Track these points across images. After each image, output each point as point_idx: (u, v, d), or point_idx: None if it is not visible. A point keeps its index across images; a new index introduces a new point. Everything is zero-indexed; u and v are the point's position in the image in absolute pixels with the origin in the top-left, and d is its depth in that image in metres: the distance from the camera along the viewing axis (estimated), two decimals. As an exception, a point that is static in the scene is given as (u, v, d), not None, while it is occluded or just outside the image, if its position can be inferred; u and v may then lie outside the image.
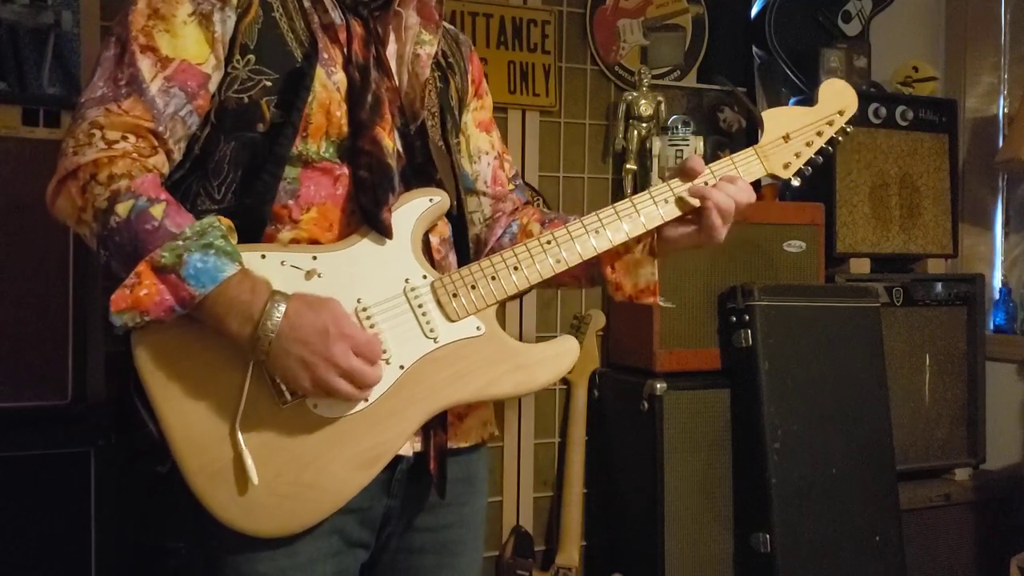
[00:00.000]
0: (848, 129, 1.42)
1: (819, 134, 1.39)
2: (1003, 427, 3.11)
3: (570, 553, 2.71)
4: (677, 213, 1.33)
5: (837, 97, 1.41)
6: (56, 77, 2.19)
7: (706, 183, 1.32)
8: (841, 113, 1.40)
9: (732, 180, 1.32)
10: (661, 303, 1.40)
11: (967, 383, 3.02)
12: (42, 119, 1.92)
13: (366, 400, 1.17)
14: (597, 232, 1.30)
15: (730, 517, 2.56)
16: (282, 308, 1.10)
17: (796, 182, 1.40)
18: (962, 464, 3.02)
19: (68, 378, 1.92)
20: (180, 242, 1.09)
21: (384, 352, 1.17)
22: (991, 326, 3.24)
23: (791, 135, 1.38)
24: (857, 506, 2.55)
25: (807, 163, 1.39)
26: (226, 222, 1.14)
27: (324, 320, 1.11)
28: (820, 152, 1.40)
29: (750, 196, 1.33)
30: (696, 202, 1.31)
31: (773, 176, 1.38)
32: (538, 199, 2.83)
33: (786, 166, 1.38)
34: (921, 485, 2.89)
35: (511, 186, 1.52)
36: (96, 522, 1.90)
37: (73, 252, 1.93)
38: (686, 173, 1.33)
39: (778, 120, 1.38)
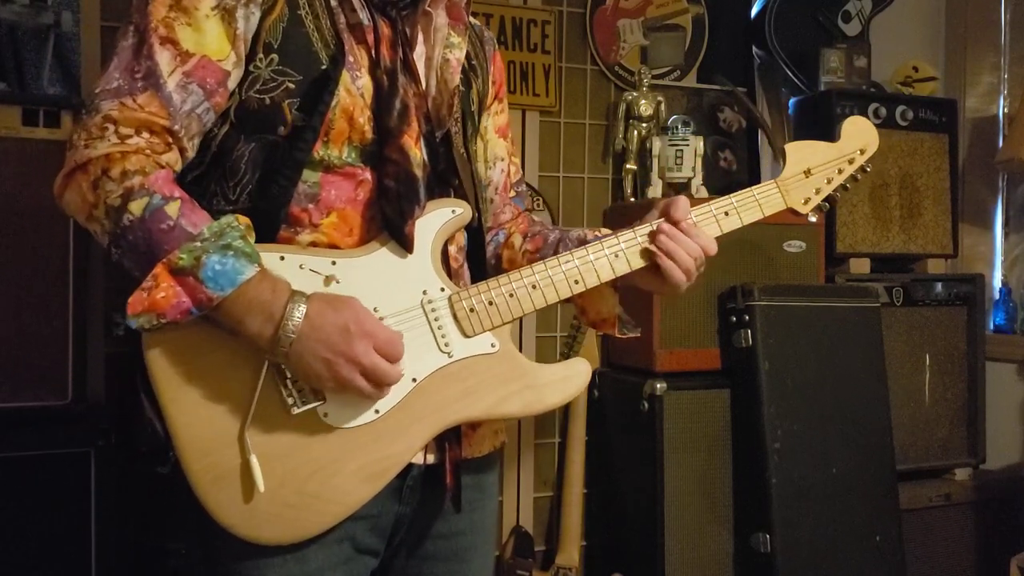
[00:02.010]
0: (868, 168, 1.39)
1: (839, 171, 1.37)
2: (1003, 427, 3.11)
3: (570, 553, 2.71)
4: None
5: (859, 135, 1.39)
6: (56, 77, 2.19)
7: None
8: (862, 151, 1.38)
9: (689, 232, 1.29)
10: (623, 334, 1.39)
11: (967, 383, 3.02)
12: (42, 119, 1.91)
13: (377, 413, 1.16)
14: (616, 256, 1.28)
15: (730, 517, 2.55)
16: (303, 308, 1.08)
17: (813, 218, 1.38)
18: (962, 464, 3.02)
19: (68, 378, 1.92)
20: (198, 243, 1.06)
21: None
22: (991, 326, 3.24)
23: (812, 170, 1.36)
24: (857, 506, 2.55)
25: (826, 199, 1.38)
26: (244, 220, 1.12)
27: (345, 318, 1.09)
28: (838, 189, 1.38)
29: (711, 248, 1.32)
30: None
31: (792, 211, 1.36)
32: (538, 199, 2.83)
33: (806, 201, 1.36)
34: (921, 485, 2.89)
35: (512, 193, 1.50)
36: (96, 522, 1.90)
37: (73, 252, 1.93)
38: (669, 217, 1.29)
39: (801, 154, 1.36)
